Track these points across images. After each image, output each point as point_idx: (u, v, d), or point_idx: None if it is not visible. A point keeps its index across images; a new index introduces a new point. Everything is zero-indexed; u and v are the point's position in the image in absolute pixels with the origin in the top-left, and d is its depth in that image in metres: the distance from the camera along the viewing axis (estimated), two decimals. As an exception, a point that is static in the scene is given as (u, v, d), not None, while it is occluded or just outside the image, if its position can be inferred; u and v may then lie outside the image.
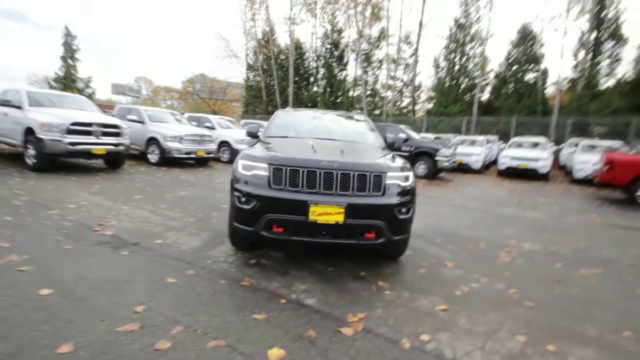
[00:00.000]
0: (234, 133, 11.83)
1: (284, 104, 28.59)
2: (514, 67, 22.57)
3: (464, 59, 24.07)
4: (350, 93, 28.73)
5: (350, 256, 3.31)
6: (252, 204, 2.69)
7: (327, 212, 2.57)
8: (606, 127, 16.84)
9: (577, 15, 20.06)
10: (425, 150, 10.44)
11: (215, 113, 29.32)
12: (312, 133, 3.90)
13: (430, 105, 26.33)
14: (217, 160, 11.51)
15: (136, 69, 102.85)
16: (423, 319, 2.25)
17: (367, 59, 27.48)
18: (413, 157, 10.39)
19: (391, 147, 4.03)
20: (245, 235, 3.03)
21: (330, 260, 3.17)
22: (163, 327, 1.92)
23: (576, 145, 12.95)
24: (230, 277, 2.69)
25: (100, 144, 6.94)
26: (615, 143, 12.18)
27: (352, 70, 29.32)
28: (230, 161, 11.50)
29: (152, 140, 9.31)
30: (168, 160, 9.31)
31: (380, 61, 27.80)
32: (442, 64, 24.85)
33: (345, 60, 28.75)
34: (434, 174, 10.48)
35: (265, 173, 2.72)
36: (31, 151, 6.58)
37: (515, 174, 12.27)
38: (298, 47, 29.12)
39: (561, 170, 14.57)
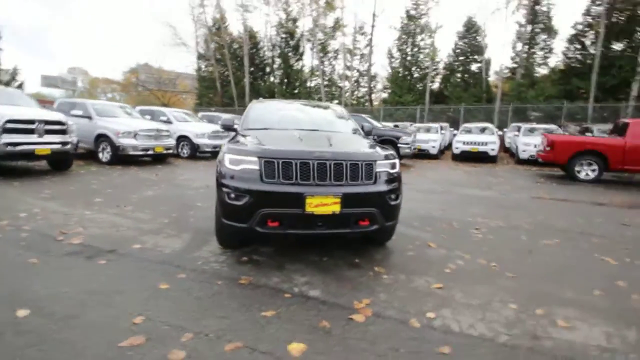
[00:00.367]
0: (193, 127, 11.23)
1: (241, 96, 27.69)
2: (461, 58, 24.02)
3: (415, 49, 25.08)
4: (308, 83, 28.61)
5: (340, 245, 3.35)
6: (244, 200, 2.59)
7: (323, 203, 2.56)
8: (541, 112, 18.71)
9: (514, 10, 21.81)
10: (388, 138, 10.79)
11: (165, 106, 27.48)
12: (292, 124, 3.82)
13: (385, 95, 27.20)
14: (177, 156, 10.87)
15: (69, 59, 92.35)
16: (424, 298, 2.37)
17: (323, 49, 27.48)
18: (377, 145, 10.67)
19: (368, 135, 4.12)
20: (236, 233, 2.93)
21: (322, 250, 3.18)
22: (171, 336, 1.81)
23: (518, 129, 14.23)
24: (226, 276, 2.59)
25: (44, 143, 6.19)
26: (551, 126, 13.61)
27: (309, 60, 29.17)
28: (191, 157, 10.94)
29: (102, 137, 8.51)
30: (122, 159, 8.59)
31: (336, 51, 27.97)
32: (396, 54, 25.69)
33: (301, 50, 28.50)
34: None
35: (256, 167, 2.63)
36: (-44, 155, 5.70)
37: (468, 157, 13.20)
38: (252, 36, 28.23)
39: (506, 152, 15.94)
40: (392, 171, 2.95)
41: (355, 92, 28.90)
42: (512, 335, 1.98)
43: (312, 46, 27.02)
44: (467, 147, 13.03)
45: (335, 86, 28.95)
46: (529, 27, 21.65)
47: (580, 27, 20.53)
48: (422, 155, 13.96)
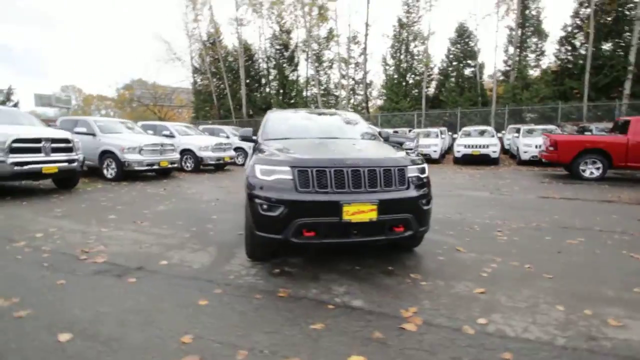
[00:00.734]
0: (196, 140, 11.19)
1: (237, 108, 27.74)
2: (455, 63, 24.35)
3: (408, 56, 25.41)
4: (304, 93, 28.76)
5: (368, 253, 3.30)
6: (278, 210, 2.55)
7: (360, 210, 2.53)
8: (537, 114, 18.97)
9: (503, 15, 22.28)
10: (393, 144, 10.83)
11: (161, 120, 27.43)
12: (312, 132, 3.81)
13: (381, 102, 27.42)
14: (181, 170, 10.79)
15: (62, 77, 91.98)
16: (469, 304, 2.32)
17: (318, 59, 27.73)
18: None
19: (386, 141, 4.11)
20: (268, 244, 2.88)
21: (352, 258, 3.13)
22: (226, 355, 1.74)
23: (517, 131, 14.38)
24: (263, 289, 2.53)
25: (51, 162, 6.11)
26: (550, 126, 13.77)
27: (304, 70, 29.33)
28: (195, 170, 10.87)
29: (107, 154, 8.43)
30: (127, 174, 8.52)
31: (331, 61, 28.23)
32: (390, 62, 25.98)
33: (296, 61, 28.70)
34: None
35: (289, 177, 2.60)
36: (-38, 177, 5.59)
37: (469, 160, 13.27)
38: (247, 48, 28.42)
39: (506, 154, 16.07)
40: (422, 176, 2.94)
41: (352, 100, 29.11)
42: (569, 337, 1.94)
43: (307, 57, 27.26)
44: (469, 150, 13.11)
45: (331, 95, 29.14)
46: (520, 31, 22.10)
47: (569, 29, 21.01)
48: (424, 159, 13.99)
